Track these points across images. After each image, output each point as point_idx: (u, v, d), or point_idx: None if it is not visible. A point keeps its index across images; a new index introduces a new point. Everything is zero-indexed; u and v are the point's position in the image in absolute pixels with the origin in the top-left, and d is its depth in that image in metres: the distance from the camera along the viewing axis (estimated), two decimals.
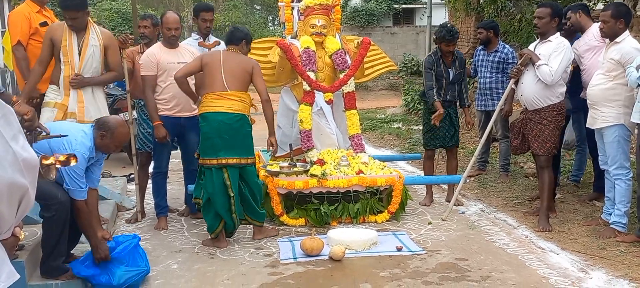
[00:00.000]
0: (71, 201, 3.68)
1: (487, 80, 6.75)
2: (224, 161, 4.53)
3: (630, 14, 4.76)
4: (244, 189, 4.68)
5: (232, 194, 4.56)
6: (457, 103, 6.04)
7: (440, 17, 17.49)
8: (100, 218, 4.15)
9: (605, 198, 4.97)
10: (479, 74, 6.88)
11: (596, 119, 4.75)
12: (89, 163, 3.79)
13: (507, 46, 6.89)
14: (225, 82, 4.56)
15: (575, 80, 5.31)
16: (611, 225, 4.73)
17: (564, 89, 5.01)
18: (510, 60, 6.63)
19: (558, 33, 4.99)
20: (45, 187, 3.53)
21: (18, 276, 1.56)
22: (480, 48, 6.95)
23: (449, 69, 5.77)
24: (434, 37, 5.96)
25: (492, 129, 6.74)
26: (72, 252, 4.05)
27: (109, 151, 3.96)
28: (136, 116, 5.59)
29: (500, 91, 6.72)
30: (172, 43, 5.10)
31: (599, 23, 4.72)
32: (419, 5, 24.27)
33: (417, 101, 12.30)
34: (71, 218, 3.73)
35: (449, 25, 5.90)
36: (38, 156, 1.52)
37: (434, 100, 5.67)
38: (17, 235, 1.89)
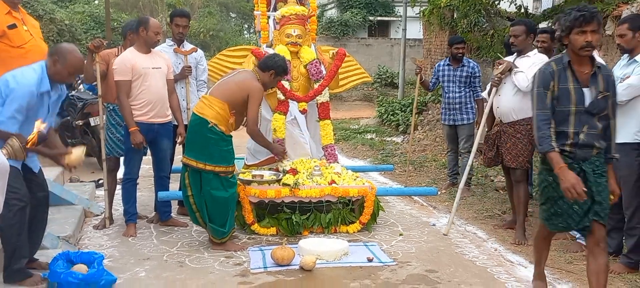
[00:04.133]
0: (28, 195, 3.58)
1: (457, 95, 6.83)
2: (184, 160, 4.72)
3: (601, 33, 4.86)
4: (202, 196, 4.68)
5: (190, 194, 4.69)
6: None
7: (415, 30, 17.65)
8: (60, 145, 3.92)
9: None
10: (446, 89, 6.94)
11: None
12: (46, 100, 3.67)
13: (471, 60, 7.00)
14: (214, 88, 4.78)
15: None
16: (578, 240, 4.81)
17: None
18: (477, 74, 6.80)
19: (536, 50, 5.10)
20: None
21: None
22: (444, 62, 7.04)
23: (584, 89, 3.35)
24: (559, 29, 3.41)
25: (467, 142, 6.84)
26: (36, 257, 3.96)
27: (63, 79, 3.75)
28: (105, 120, 5.50)
29: (469, 105, 6.83)
30: (152, 47, 5.06)
31: None
32: (394, 18, 24.48)
33: (391, 112, 12.39)
34: (30, 218, 3.65)
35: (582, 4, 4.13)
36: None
37: (550, 150, 3.32)
38: None
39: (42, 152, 3.57)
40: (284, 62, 4.97)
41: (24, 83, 3.51)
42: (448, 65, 6.95)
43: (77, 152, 3.59)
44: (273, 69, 4.82)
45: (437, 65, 7.21)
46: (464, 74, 6.81)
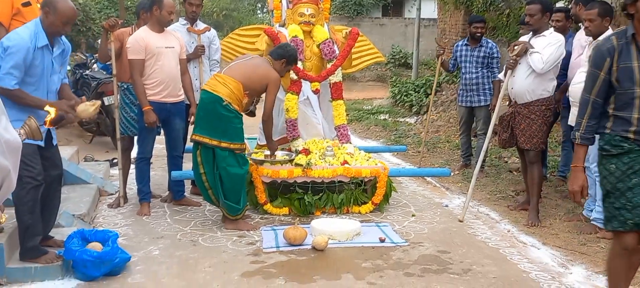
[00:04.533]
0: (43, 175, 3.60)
1: (473, 75, 6.73)
2: (195, 137, 4.70)
3: (613, 13, 4.81)
4: (216, 173, 4.70)
5: (202, 171, 4.72)
6: None
7: (430, 9, 17.47)
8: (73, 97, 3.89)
9: None
10: (463, 70, 6.85)
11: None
12: (47, 55, 3.66)
13: (490, 41, 6.89)
14: (228, 68, 4.80)
15: (567, 77, 5.34)
16: (592, 222, 4.78)
17: (554, 83, 5.06)
18: (495, 55, 6.68)
19: (552, 29, 5.04)
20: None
21: None
22: (462, 42, 6.94)
23: None
24: None
25: (481, 125, 6.78)
26: (51, 235, 4.01)
27: (59, 30, 3.69)
28: (119, 100, 5.52)
29: (487, 86, 6.74)
30: (165, 26, 5.07)
31: (586, 22, 4.74)
32: None
33: (404, 93, 12.31)
34: (43, 196, 3.68)
35: None
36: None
37: (576, 141, 3.06)
38: None
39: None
40: (296, 51, 5.07)
41: (17, 39, 3.54)
42: (466, 45, 6.85)
43: (88, 106, 3.59)
44: (285, 57, 4.90)
45: (455, 45, 7.11)
46: (482, 54, 6.70)
